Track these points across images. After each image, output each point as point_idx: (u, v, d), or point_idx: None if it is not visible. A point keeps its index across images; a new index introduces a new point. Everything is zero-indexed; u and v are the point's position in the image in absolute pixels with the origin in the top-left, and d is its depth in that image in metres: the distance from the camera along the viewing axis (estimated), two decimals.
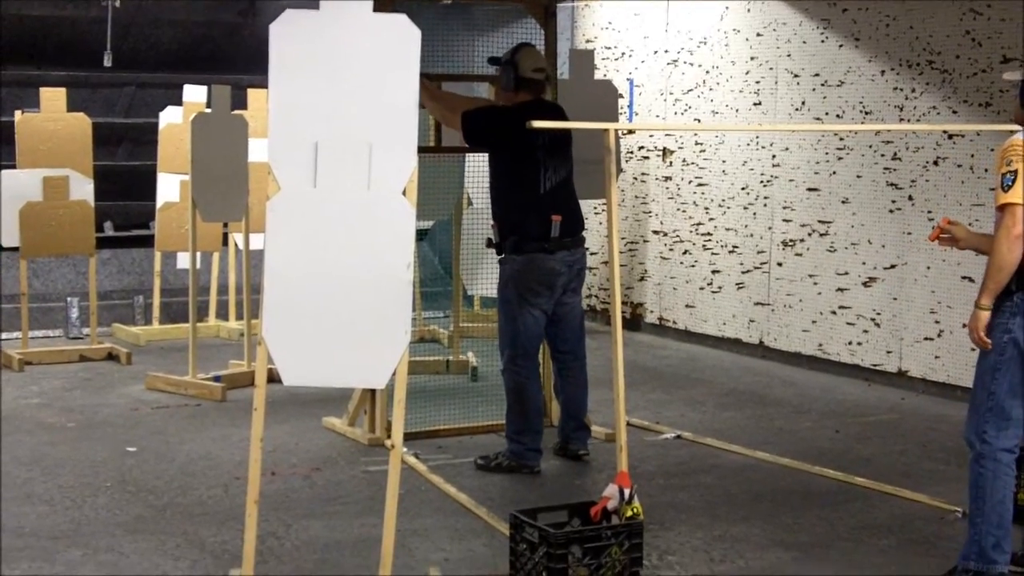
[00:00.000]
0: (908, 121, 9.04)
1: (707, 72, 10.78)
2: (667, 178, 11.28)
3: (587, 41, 12.06)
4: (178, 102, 10.99)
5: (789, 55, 10.01)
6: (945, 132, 8.73)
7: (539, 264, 6.87)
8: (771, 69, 10.17)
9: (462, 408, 7.99)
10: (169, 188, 10.88)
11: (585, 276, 7.34)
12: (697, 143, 10.94)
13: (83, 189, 9.91)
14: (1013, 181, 4.97)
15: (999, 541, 5.11)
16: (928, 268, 8.93)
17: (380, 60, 4.78)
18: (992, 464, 5.09)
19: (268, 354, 4.77)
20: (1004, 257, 5.00)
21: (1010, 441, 5.11)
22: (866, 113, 9.37)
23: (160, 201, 10.95)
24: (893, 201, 9.19)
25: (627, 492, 5.25)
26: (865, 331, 9.45)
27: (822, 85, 9.72)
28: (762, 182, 10.28)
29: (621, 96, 11.18)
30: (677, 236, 11.19)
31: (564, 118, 7.06)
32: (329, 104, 4.76)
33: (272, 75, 4.74)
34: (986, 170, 8.42)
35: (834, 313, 9.69)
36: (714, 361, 10.31)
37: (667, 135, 11.28)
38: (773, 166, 10.18)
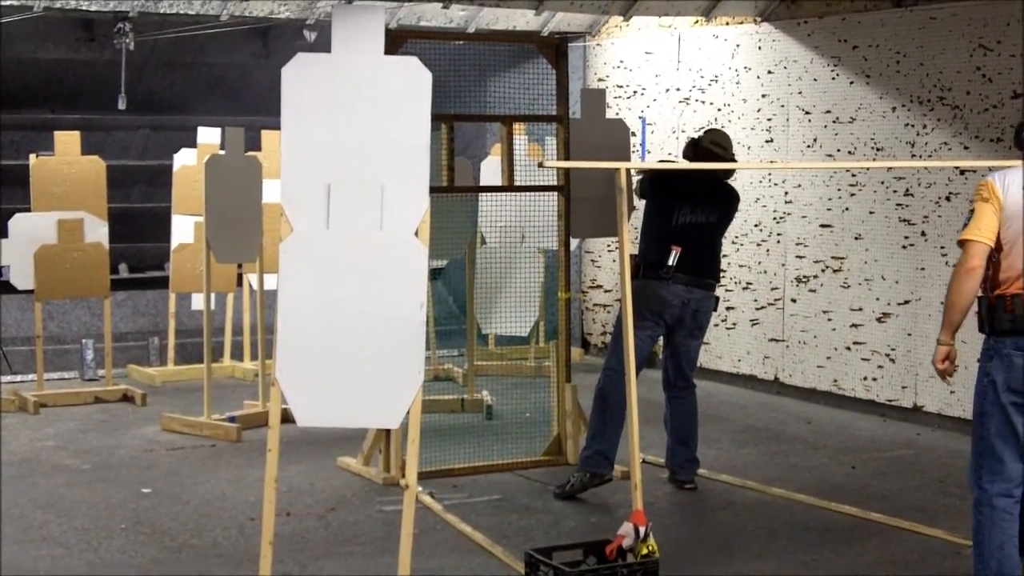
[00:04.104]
0: (920, 157, 9.05)
1: (719, 110, 10.81)
2: None
3: (599, 80, 12.10)
4: (192, 144, 11.04)
5: (800, 92, 10.03)
6: (957, 168, 8.74)
7: (651, 291, 7.20)
8: (782, 106, 10.20)
9: (477, 447, 7.98)
10: (183, 229, 10.90)
11: (704, 322, 7.48)
12: None
13: (98, 231, 9.94)
14: (969, 219, 5.10)
15: None
16: (942, 303, 8.89)
17: (391, 102, 4.82)
18: (988, 511, 5.07)
19: (282, 394, 4.78)
20: (955, 292, 5.13)
21: (1006, 484, 5.07)
22: (878, 149, 9.39)
23: (174, 243, 10.97)
24: (906, 237, 9.19)
25: (642, 530, 5.25)
26: (880, 367, 9.43)
27: (834, 122, 9.73)
28: (775, 219, 10.28)
29: (633, 135, 11.21)
30: None
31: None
32: (341, 146, 4.80)
33: (285, 117, 4.78)
34: None
35: (849, 349, 9.68)
36: (729, 398, 10.29)
37: None
38: (786, 203, 10.19)
